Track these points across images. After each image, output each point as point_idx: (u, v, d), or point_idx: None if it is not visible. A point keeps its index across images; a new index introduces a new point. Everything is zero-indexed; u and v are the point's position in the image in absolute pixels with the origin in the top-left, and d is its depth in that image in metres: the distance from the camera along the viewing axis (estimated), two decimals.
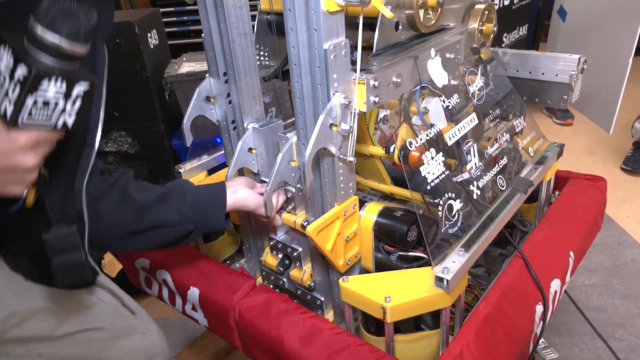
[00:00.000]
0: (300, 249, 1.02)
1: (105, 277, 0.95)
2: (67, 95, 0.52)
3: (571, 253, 1.11)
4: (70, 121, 0.55)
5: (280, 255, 1.06)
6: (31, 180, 0.59)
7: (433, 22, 0.95)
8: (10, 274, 0.79)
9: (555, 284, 1.03)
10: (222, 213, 0.90)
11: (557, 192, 1.31)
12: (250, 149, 1.02)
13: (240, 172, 1.07)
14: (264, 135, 1.00)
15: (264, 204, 0.93)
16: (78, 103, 0.54)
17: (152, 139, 2.05)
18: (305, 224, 0.95)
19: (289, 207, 0.99)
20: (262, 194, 0.94)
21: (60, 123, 0.54)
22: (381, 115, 1.12)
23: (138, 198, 0.83)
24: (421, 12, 0.92)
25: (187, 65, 2.14)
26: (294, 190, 0.96)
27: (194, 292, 1.03)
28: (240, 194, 0.92)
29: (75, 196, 0.69)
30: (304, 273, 1.02)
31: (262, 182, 1.05)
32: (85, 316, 0.90)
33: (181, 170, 1.22)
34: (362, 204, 0.99)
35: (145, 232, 0.84)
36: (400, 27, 0.91)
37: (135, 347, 0.98)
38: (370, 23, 0.87)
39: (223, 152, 1.16)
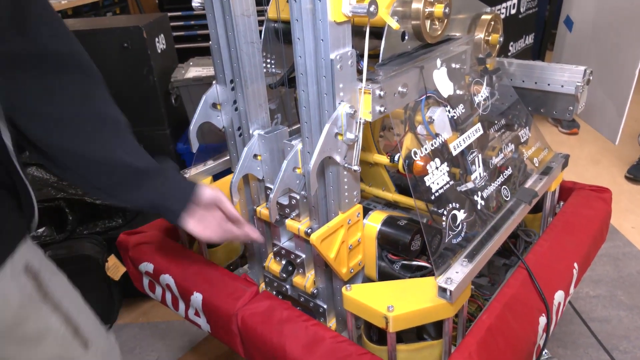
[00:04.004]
0: (303, 256, 1.02)
1: (68, 292, 0.77)
2: None
3: (575, 264, 1.10)
4: None
5: (283, 262, 1.06)
6: None
7: (439, 32, 0.96)
8: None
9: (559, 296, 1.03)
10: (176, 218, 0.84)
11: (561, 203, 1.30)
12: (255, 156, 1.02)
13: (245, 178, 1.08)
14: (270, 142, 1.01)
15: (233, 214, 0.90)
16: None
17: (158, 143, 2.06)
18: (309, 231, 0.95)
19: (293, 214, 0.99)
20: (231, 217, 0.90)
21: None
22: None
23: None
24: (427, 23, 0.92)
25: (194, 70, 2.15)
26: (298, 197, 0.97)
27: (197, 298, 1.04)
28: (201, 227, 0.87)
29: None
30: (307, 280, 1.03)
31: (267, 188, 1.05)
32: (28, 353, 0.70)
33: (186, 175, 1.23)
34: (366, 211, 0.99)
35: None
36: (406, 37, 0.92)
37: None
38: (377, 32, 0.88)
39: (228, 157, 1.17)
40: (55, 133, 0.67)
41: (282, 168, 0.92)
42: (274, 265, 1.08)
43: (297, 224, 0.98)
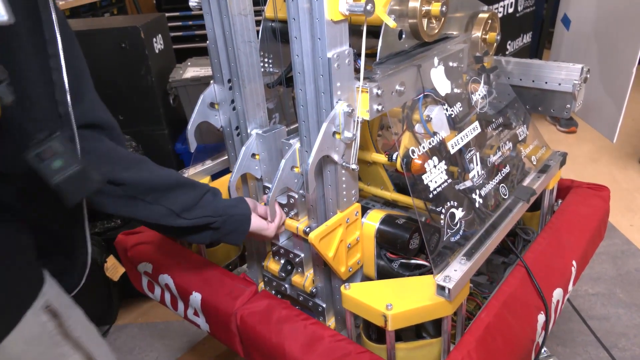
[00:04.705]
0: (302, 255, 1.02)
1: (86, 327, 0.78)
2: None
3: (574, 262, 1.10)
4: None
5: (282, 261, 1.06)
6: None
7: (436, 31, 0.96)
8: None
9: (557, 293, 1.03)
10: (247, 227, 0.92)
11: (559, 201, 1.30)
12: (253, 155, 1.02)
13: (244, 178, 1.08)
14: (268, 141, 1.01)
15: (268, 214, 0.95)
16: None
17: (156, 143, 2.05)
18: (307, 230, 0.95)
19: (292, 213, 0.99)
20: (263, 217, 0.96)
21: None
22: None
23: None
24: (425, 21, 0.92)
25: (192, 70, 2.15)
26: (296, 196, 0.97)
27: (196, 297, 1.04)
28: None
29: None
30: (305, 279, 1.03)
31: (266, 187, 1.05)
32: None
33: (185, 175, 1.23)
34: (364, 210, 0.99)
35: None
36: (403, 35, 0.92)
37: None
38: (374, 30, 0.88)
39: (227, 157, 1.17)
40: (124, 169, 0.78)
41: (280, 167, 0.92)
42: (272, 265, 1.08)
43: (296, 223, 0.98)
